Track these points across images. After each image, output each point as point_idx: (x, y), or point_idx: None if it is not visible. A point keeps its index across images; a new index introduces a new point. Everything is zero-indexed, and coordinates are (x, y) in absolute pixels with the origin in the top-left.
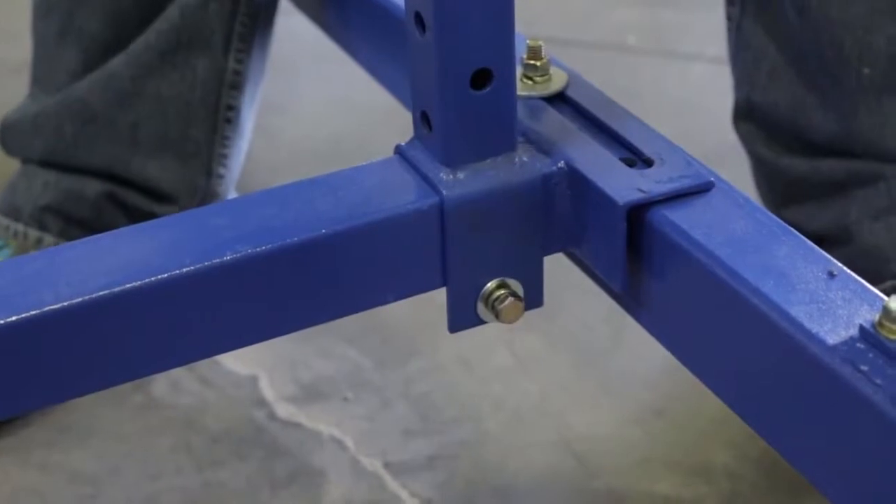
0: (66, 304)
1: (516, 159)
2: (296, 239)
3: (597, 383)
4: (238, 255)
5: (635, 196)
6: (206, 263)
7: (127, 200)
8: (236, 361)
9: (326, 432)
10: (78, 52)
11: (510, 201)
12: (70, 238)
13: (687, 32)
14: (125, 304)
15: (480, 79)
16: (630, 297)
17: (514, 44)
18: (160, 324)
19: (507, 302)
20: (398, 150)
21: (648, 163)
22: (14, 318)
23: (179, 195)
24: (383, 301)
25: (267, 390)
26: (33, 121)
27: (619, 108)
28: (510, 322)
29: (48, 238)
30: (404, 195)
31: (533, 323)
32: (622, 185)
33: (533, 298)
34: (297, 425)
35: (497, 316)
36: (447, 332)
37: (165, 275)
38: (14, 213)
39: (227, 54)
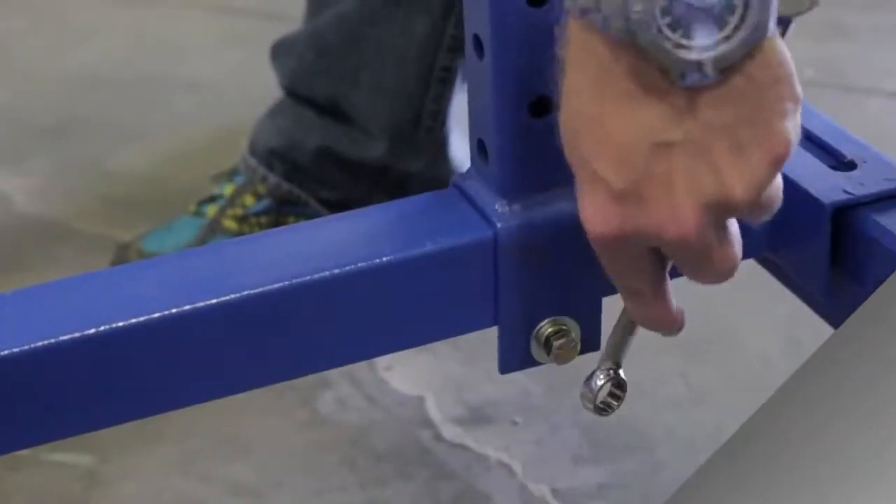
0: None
1: None
2: (340, 270)
3: None
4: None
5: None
6: (260, 290)
7: (341, 152)
8: (402, 382)
9: (494, 456)
10: None
11: (569, 236)
12: (291, 181)
13: (864, 66)
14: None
15: (541, 106)
16: (831, 304)
17: None
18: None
19: (561, 342)
20: (453, 182)
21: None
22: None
23: (387, 138)
24: (432, 338)
25: (433, 411)
26: (291, 44)
27: None
28: (563, 364)
29: (272, 178)
30: (456, 227)
31: (709, 355)
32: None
33: (590, 340)
34: (464, 447)
35: (553, 357)
36: None
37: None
38: (252, 146)
39: (446, 19)
